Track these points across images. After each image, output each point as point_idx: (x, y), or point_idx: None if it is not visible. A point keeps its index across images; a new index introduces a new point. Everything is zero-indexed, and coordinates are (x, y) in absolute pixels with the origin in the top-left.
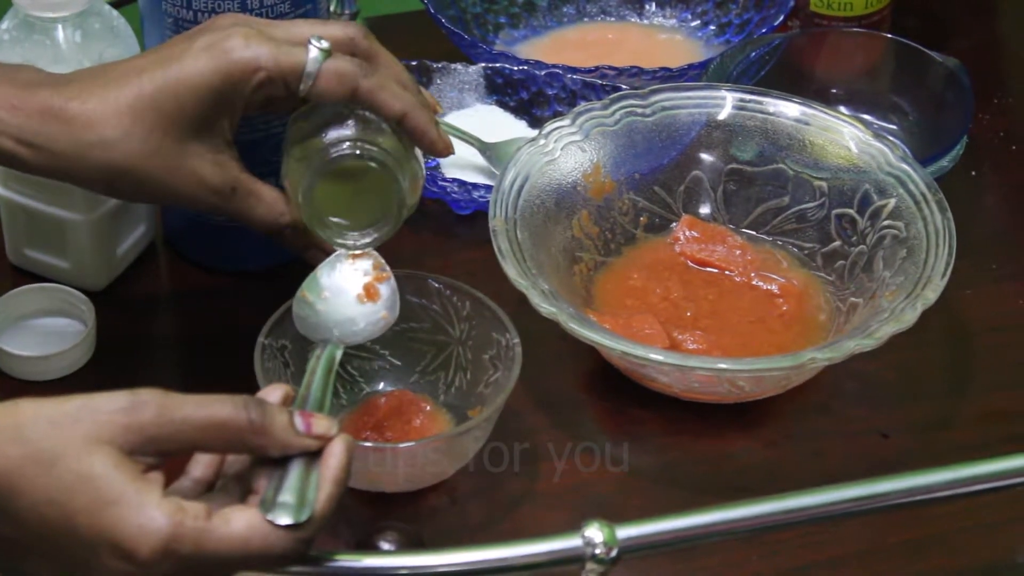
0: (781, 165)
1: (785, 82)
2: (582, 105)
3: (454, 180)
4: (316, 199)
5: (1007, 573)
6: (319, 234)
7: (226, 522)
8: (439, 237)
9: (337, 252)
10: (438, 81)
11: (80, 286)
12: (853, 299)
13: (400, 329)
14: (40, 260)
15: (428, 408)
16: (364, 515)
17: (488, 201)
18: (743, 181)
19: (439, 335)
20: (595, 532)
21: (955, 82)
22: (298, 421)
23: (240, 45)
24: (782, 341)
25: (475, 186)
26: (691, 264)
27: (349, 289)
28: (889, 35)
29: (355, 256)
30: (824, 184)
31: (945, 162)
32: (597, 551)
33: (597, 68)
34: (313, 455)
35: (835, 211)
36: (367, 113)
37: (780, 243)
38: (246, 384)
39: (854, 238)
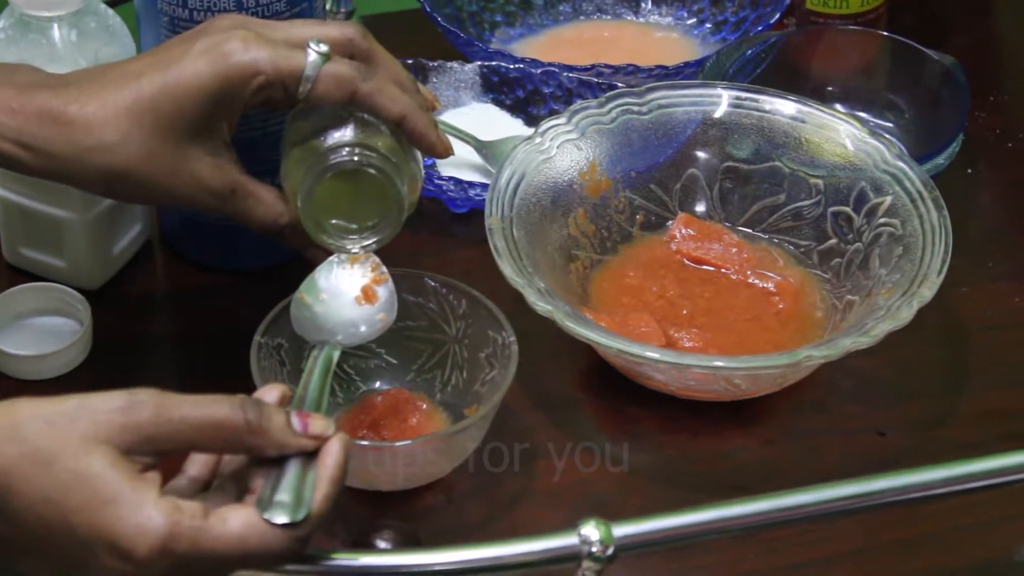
0: (777, 163)
1: (781, 80)
2: (578, 103)
3: (450, 178)
4: (315, 203)
5: (1003, 571)
6: (318, 240)
7: (223, 521)
8: (435, 236)
9: (336, 254)
10: (434, 79)
11: (76, 285)
12: (849, 297)
13: (396, 328)
14: (36, 259)
15: (424, 407)
16: (361, 514)
17: (484, 199)
18: (739, 179)
19: (435, 333)
20: (591, 530)
21: (951, 80)
22: (295, 421)
23: (239, 49)
24: (778, 339)
25: (471, 184)
26: (687, 262)
27: (347, 291)
28: (885, 33)
29: (353, 259)
30: (820, 182)
31: (941, 160)
32: (593, 549)
33: (593, 66)
34: (310, 455)
35: (831, 209)
36: (366, 114)
37: (776, 241)
38: (243, 383)
39: (850, 236)
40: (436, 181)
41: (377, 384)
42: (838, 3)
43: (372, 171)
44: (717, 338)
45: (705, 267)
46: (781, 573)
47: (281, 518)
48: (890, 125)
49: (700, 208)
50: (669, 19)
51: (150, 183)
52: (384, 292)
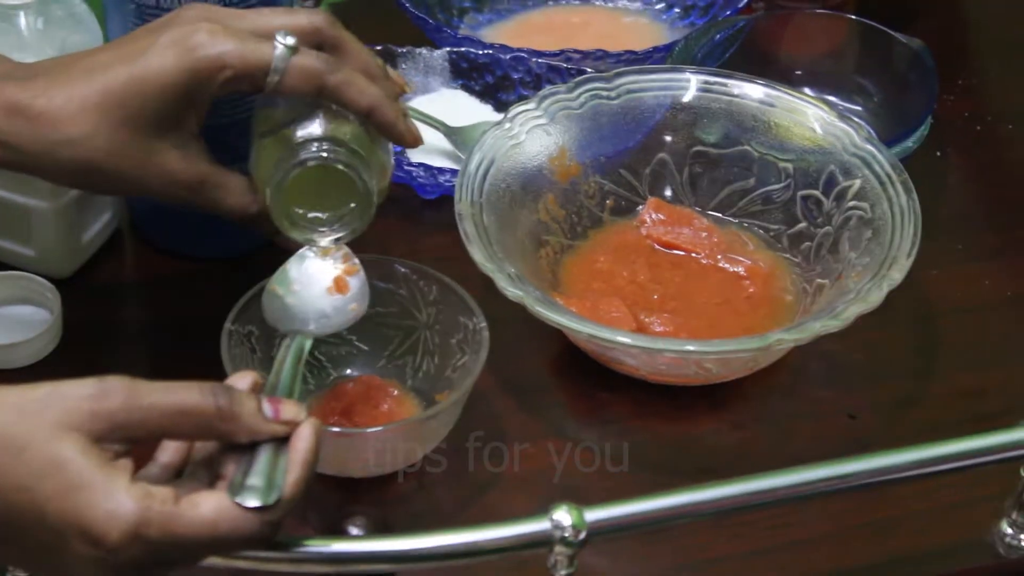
0: (746, 147)
1: (750, 64)
2: (547, 89)
3: (420, 165)
4: (284, 198)
5: (974, 552)
6: (289, 234)
7: (194, 506)
8: (405, 222)
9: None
10: (403, 66)
11: (45, 274)
12: (819, 280)
13: (367, 314)
14: (5, 248)
15: (396, 393)
16: (332, 500)
17: (454, 185)
18: (708, 163)
19: (406, 320)
20: (563, 515)
21: (919, 63)
22: (266, 407)
23: (206, 42)
24: (749, 323)
25: (441, 170)
26: (657, 247)
27: (319, 282)
28: (853, 16)
29: (325, 251)
30: (789, 166)
31: (910, 143)
32: (566, 534)
33: (562, 52)
34: (282, 441)
35: (800, 192)
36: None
37: (746, 225)
38: (213, 370)
39: (820, 219)
40: (406, 167)
41: (348, 371)
42: None
43: (340, 167)
44: (688, 322)
45: (675, 252)
46: (753, 557)
47: (253, 501)
48: (859, 109)
49: (670, 193)
50: (638, 4)
51: (119, 176)
52: (356, 282)
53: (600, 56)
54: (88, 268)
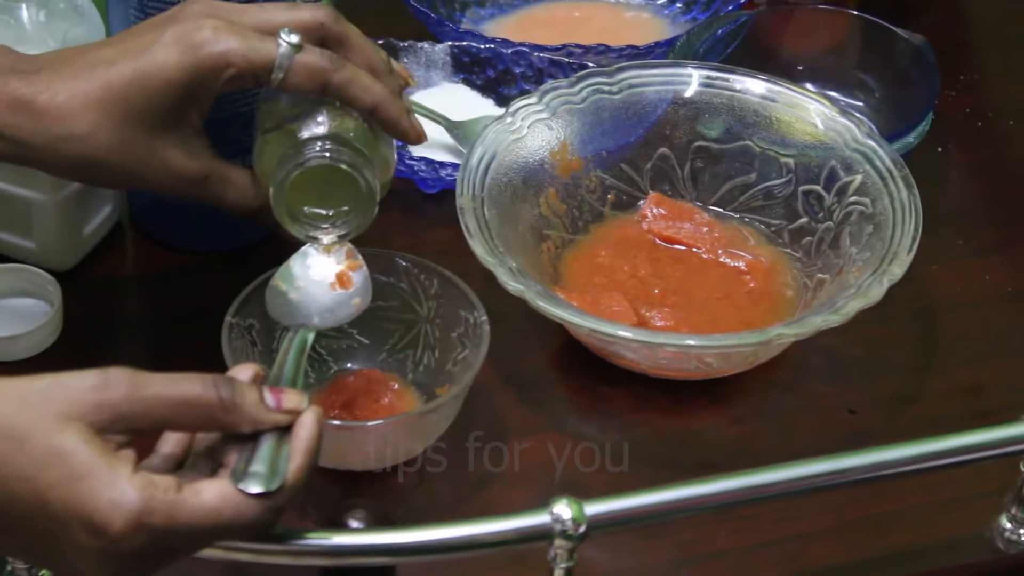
0: (748, 142)
1: (751, 59)
2: (549, 83)
3: (421, 159)
4: (287, 196)
5: (974, 547)
6: (292, 231)
7: (196, 494)
8: (407, 216)
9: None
10: (405, 60)
11: (46, 266)
12: (820, 275)
13: (368, 308)
14: (5, 240)
15: (396, 386)
16: (332, 493)
17: (455, 179)
18: (710, 158)
19: (407, 314)
20: (563, 508)
21: (921, 59)
22: (268, 397)
23: (210, 39)
24: (749, 317)
25: (442, 164)
26: (658, 241)
27: (322, 278)
28: (855, 12)
29: (328, 247)
30: (791, 161)
31: (911, 138)
32: (566, 527)
33: (564, 46)
34: (284, 429)
35: (802, 188)
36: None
37: (747, 220)
38: (214, 363)
39: (821, 214)
40: (407, 161)
41: (349, 364)
42: None
43: (344, 167)
44: (688, 317)
45: (676, 246)
46: (752, 551)
47: (255, 488)
48: (860, 104)
49: (671, 188)
50: None
51: (122, 171)
52: (359, 277)
53: (602, 51)
54: (89, 261)
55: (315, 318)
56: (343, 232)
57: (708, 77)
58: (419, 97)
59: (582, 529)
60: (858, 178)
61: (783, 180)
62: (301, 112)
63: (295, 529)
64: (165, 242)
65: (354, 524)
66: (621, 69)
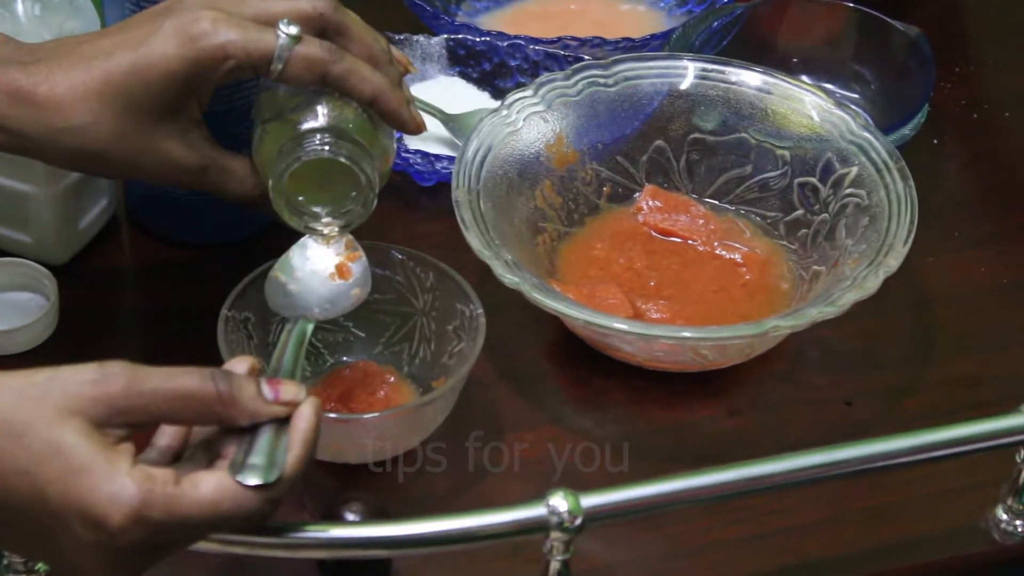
0: (743, 134)
1: (747, 51)
2: (544, 76)
3: (417, 152)
4: (286, 188)
5: (970, 538)
6: (290, 223)
7: (195, 486)
8: (402, 209)
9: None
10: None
11: (42, 260)
12: (816, 267)
13: (364, 301)
14: (1, 234)
15: (392, 379)
16: (329, 486)
17: (451, 172)
18: (706, 151)
19: (403, 306)
20: (559, 501)
21: (917, 51)
22: (266, 389)
23: (209, 31)
24: (745, 310)
25: (438, 157)
26: (654, 234)
27: (321, 269)
28: (850, 4)
29: (327, 238)
30: (786, 153)
31: (907, 130)
32: (562, 519)
33: (559, 39)
34: (282, 421)
35: (797, 180)
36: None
37: (743, 212)
38: (210, 357)
39: (816, 207)
40: (403, 154)
41: (345, 357)
42: None
43: (342, 160)
44: (684, 309)
45: (672, 239)
46: (749, 543)
47: (254, 479)
48: (856, 96)
49: (666, 180)
50: None
51: (121, 162)
52: (358, 268)
53: (597, 43)
54: (85, 254)
55: (315, 309)
56: (342, 223)
57: (704, 69)
58: (415, 90)
59: (578, 521)
60: (854, 170)
61: (779, 172)
62: (301, 102)
63: (292, 522)
64: (161, 235)
65: (350, 517)
66: (617, 62)
